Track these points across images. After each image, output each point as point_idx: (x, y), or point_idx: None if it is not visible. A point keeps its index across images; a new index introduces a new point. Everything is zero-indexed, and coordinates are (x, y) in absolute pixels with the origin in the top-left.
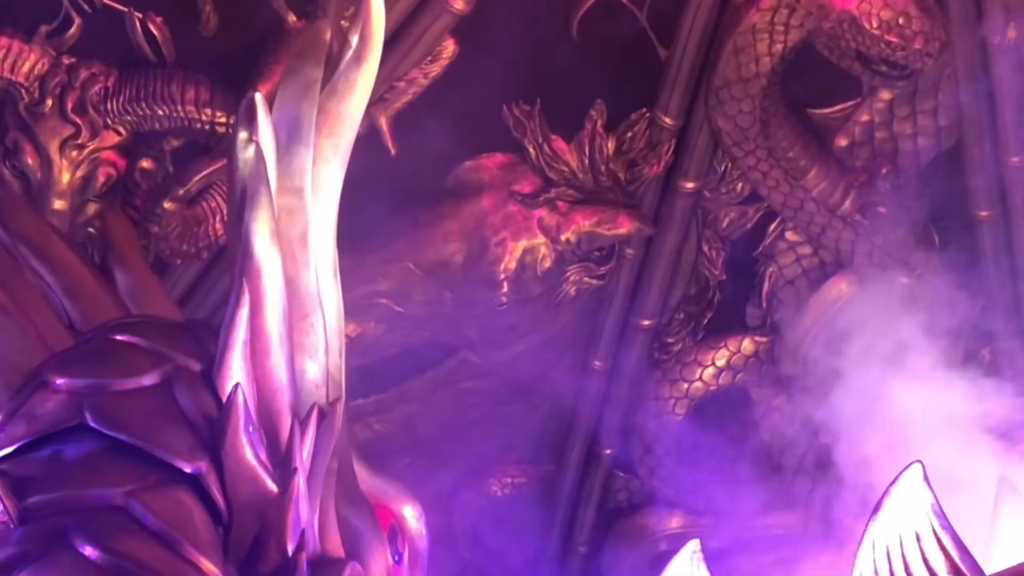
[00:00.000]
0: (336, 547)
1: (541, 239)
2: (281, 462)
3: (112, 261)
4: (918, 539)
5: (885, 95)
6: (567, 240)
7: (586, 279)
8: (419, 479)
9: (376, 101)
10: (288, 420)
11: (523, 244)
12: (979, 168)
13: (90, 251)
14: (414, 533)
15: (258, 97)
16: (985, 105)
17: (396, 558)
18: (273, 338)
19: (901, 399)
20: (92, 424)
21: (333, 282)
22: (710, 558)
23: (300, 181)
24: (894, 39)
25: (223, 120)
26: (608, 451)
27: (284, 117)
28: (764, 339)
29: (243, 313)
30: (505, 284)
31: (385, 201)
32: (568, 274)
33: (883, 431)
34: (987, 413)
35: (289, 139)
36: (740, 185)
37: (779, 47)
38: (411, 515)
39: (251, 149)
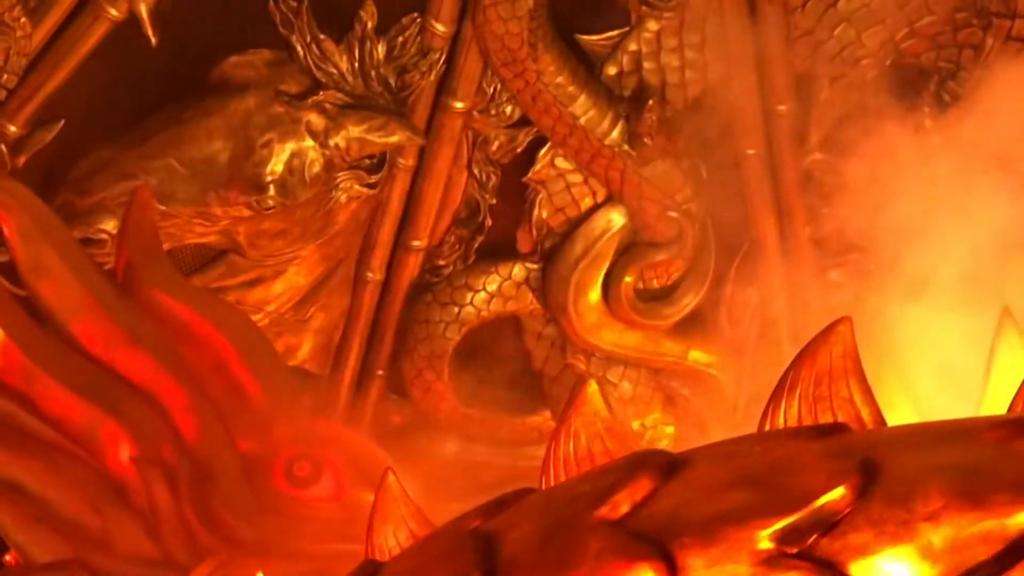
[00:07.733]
0: None
1: (309, 143)
2: None
3: None
4: None
5: (653, 25)
6: (336, 146)
7: (357, 187)
8: None
9: None
10: None
11: (290, 147)
12: (746, 106)
13: None
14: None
15: None
16: (751, 44)
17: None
18: None
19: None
20: None
21: None
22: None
23: None
24: None
25: None
26: (380, 372)
27: None
28: (535, 266)
29: None
30: (272, 188)
31: (145, 94)
32: (338, 181)
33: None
34: None
35: None
36: (510, 108)
37: None
38: None
39: None
